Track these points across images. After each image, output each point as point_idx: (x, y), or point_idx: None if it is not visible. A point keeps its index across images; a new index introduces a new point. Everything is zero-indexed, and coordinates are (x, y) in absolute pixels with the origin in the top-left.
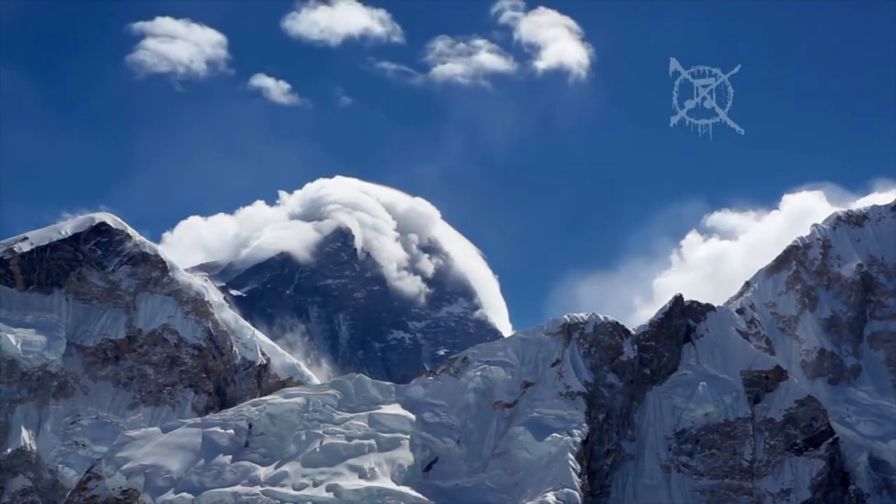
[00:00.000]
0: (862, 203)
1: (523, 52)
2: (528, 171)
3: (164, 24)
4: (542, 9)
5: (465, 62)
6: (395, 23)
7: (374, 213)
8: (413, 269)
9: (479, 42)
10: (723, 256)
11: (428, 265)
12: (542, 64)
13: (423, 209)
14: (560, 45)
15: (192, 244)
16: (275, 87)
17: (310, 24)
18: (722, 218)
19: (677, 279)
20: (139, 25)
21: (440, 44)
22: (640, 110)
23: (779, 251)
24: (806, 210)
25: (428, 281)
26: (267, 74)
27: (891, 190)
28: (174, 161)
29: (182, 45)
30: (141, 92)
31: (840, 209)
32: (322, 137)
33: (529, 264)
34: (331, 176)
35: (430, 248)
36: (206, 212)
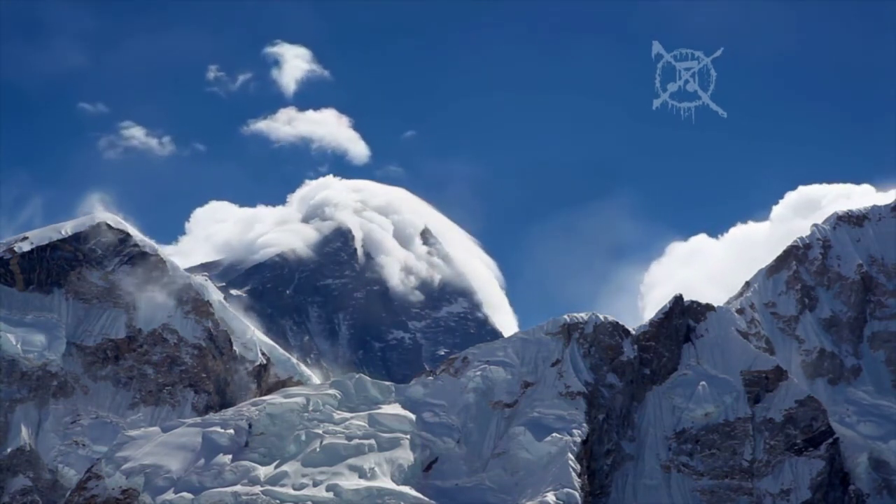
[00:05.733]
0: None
1: None
2: (528, 170)
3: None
4: None
5: None
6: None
7: (374, 212)
8: (413, 268)
9: None
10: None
11: (428, 264)
12: None
13: (424, 208)
14: None
15: (192, 244)
16: None
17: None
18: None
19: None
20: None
21: None
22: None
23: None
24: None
25: (428, 280)
26: None
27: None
28: (174, 160)
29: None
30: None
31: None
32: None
33: (531, 263)
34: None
35: (431, 248)
36: (205, 210)
